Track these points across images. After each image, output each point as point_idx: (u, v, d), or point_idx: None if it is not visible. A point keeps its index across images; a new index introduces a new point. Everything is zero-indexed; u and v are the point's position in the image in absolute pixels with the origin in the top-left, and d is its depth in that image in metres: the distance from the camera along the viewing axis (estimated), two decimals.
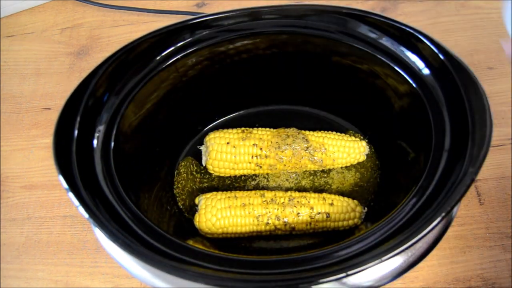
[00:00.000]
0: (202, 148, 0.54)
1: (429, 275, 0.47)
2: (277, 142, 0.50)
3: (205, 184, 0.53)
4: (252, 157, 0.50)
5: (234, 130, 0.53)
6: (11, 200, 0.57)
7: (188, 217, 0.50)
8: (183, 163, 0.54)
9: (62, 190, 0.36)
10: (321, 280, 0.32)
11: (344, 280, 0.33)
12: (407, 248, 0.32)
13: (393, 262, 0.35)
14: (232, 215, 0.45)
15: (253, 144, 0.50)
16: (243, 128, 0.53)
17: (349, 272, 0.32)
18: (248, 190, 0.51)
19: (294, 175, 0.53)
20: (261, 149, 0.50)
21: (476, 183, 0.53)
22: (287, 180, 0.53)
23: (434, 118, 0.41)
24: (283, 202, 0.46)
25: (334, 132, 0.53)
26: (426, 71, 0.42)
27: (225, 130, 0.53)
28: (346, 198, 0.47)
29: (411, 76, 0.42)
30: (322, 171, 0.53)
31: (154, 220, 0.37)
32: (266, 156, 0.50)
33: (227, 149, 0.50)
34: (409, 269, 0.35)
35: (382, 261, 0.32)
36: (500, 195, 0.52)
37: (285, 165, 0.51)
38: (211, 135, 0.52)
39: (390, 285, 0.35)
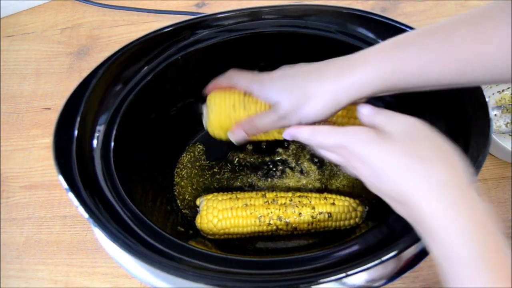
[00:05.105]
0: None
1: (429, 275, 0.47)
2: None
3: (206, 184, 0.53)
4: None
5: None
6: (11, 200, 0.57)
7: (187, 216, 0.50)
8: (183, 163, 0.54)
9: (62, 190, 0.36)
10: (321, 280, 0.32)
11: (344, 280, 0.33)
12: (407, 248, 0.32)
13: (393, 262, 0.35)
14: (233, 216, 0.45)
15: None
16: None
17: (349, 272, 0.32)
18: (249, 191, 0.51)
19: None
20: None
21: (476, 183, 0.53)
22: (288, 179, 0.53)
23: (433, 117, 0.41)
24: (285, 203, 0.46)
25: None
26: None
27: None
28: (347, 198, 0.47)
29: None
30: (323, 171, 0.53)
31: (154, 220, 0.37)
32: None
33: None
34: (409, 269, 0.35)
35: (382, 261, 0.32)
36: (500, 195, 0.52)
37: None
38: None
39: (390, 285, 0.35)
